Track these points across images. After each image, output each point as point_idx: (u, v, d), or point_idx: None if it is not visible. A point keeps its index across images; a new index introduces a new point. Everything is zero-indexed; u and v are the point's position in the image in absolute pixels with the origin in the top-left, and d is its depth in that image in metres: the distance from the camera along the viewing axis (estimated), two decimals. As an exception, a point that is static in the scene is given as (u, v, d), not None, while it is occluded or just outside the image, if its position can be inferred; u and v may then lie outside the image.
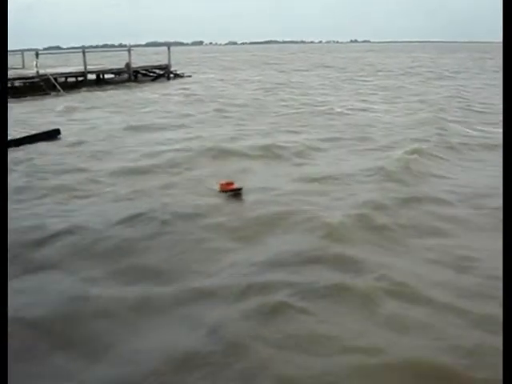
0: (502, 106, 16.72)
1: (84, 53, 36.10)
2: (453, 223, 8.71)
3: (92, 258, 7.49)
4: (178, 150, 14.63)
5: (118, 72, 40.34)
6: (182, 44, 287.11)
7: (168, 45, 45.86)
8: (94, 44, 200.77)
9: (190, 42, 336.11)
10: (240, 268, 7.03)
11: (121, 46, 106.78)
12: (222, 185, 10.58)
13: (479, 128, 17.83)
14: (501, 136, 15.43)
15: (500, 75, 40.67)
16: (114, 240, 8.08)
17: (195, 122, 20.03)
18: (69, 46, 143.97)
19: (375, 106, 23.71)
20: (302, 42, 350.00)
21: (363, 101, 25.91)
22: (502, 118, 17.88)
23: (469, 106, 23.54)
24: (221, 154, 13.98)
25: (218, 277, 6.78)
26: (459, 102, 24.87)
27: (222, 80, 41.11)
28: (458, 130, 17.26)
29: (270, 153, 14.10)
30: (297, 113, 21.94)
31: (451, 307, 5.94)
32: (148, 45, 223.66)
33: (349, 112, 21.88)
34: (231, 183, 10.56)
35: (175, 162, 13.26)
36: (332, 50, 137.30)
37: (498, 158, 12.96)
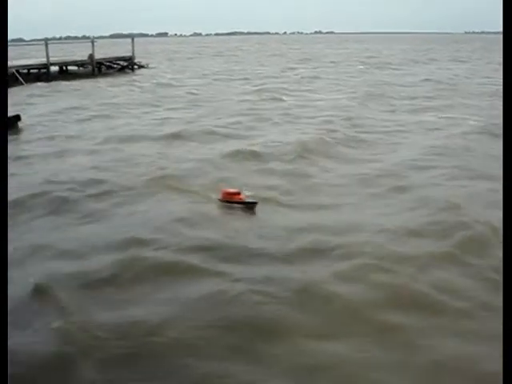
0: (425, 94, 18.35)
1: (47, 45, 36.35)
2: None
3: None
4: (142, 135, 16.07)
5: (81, 64, 40.59)
6: (146, 35, 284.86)
7: (132, 36, 46.21)
8: (58, 36, 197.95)
9: (154, 33, 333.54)
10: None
11: (84, 37, 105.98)
12: (224, 194, 9.31)
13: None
14: (401, 122, 17.39)
15: (440, 65, 43.81)
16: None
17: (156, 111, 21.49)
18: (32, 38, 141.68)
19: (308, 94, 25.62)
20: (267, 33, 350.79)
21: (297, 90, 27.65)
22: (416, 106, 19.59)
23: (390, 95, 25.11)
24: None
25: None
26: (386, 90, 26.56)
27: (184, 71, 42.33)
28: (368, 117, 18.74)
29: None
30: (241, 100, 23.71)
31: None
32: (112, 36, 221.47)
33: (285, 98, 23.89)
34: (238, 193, 9.26)
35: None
36: (294, 41, 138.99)
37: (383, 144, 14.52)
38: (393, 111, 20.20)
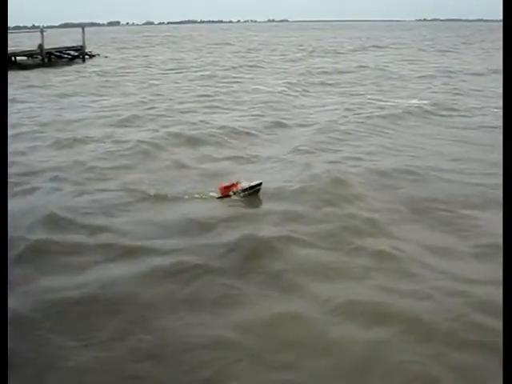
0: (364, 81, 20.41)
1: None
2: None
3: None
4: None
5: (30, 54, 40.09)
6: (97, 25, 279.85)
7: (82, 26, 46.23)
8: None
9: (106, 22, 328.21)
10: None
11: (34, 27, 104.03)
12: (222, 189, 9.39)
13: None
14: (329, 107, 19.34)
15: (380, 52, 46.39)
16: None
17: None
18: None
19: (250, 81, 27.43)
20: (220, 21, 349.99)
21: (241, 77, 29.39)
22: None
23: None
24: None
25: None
26: (321, 77, 28.44)
27: (134, 60, 43.27)
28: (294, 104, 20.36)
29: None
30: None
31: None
32: (62, 26, 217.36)
33: (229, 85, 25.62)
34: (236, 184, 9.38)
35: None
36: (246, 30, 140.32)
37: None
38: (319, 97, 21.90)
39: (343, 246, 7.52)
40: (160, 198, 9.51)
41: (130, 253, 7.38)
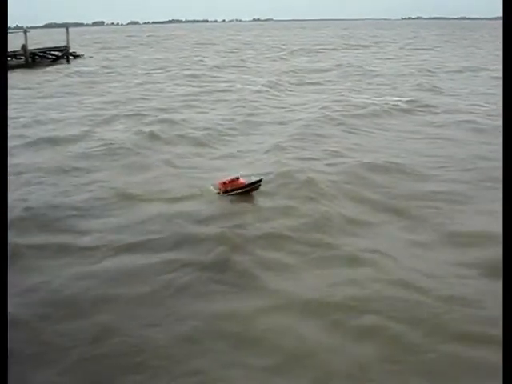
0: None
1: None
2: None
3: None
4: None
5: (13, 55, 39.49)
6: (82, 25, 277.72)
7: (66, 26, 46.14)
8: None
9: (90, 22, 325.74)
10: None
11: (17, 28, 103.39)
12: (222, 185, 9.42)
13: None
14: (306, 106, 19.90)
15: (362, 50, 47.20)
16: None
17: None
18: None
19: (233, 80, 27.85)
20: (205, 20, 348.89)
21: (222, 76, 29.83)
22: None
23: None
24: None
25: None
26: (301, 77, 28.86)
27: (119, 60, 43.45)
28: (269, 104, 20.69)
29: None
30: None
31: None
32: (46, 26, 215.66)
33: (211, 85, 26.13)
34: (237, 178, 9.39)
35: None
36: (229, 29, 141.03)
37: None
38: (301, 96, 22.43)
39: (318, 243, 7.73)
40: (145, 197, 9.66)
41: (114, 252, 7.52)
